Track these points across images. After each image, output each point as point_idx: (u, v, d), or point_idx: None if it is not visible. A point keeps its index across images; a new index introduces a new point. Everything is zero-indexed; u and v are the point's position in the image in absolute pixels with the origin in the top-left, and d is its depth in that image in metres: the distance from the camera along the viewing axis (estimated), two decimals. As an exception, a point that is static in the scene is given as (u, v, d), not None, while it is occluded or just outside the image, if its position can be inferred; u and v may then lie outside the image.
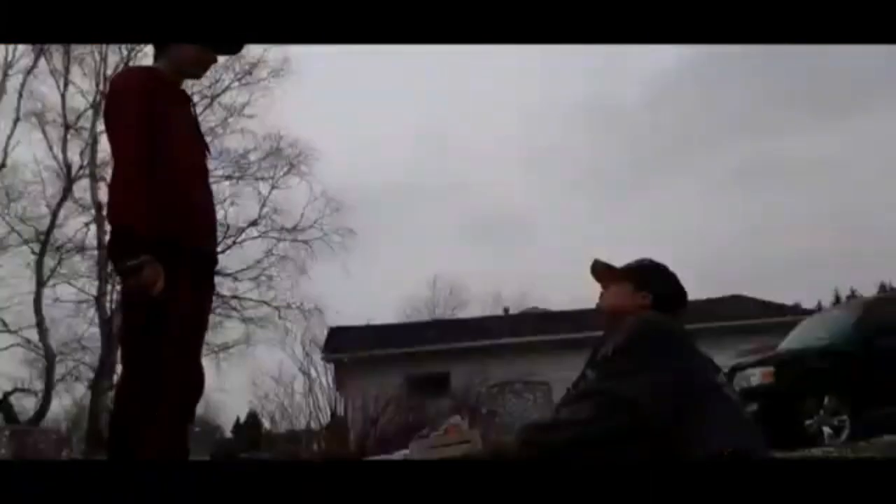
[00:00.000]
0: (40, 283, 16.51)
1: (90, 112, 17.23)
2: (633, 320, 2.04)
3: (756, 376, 7.17)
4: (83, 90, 17.35)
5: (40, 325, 16.33)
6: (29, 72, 16.99)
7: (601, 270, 2.27)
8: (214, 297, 2.63)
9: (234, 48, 2.63)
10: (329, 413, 12.03)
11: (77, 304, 17.19)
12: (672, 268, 2.26)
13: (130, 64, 17.23)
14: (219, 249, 2.65)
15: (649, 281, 2.17)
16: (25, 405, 18.49)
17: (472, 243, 49.39)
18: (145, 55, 17.30)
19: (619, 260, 2.29)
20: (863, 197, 49.92)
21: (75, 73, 17.31)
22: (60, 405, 22.35)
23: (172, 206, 2.16)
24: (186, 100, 2.52)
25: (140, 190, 2.07)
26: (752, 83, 48.75)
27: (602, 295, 2.26)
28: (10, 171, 17.14)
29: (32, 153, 17.33)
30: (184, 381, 2.17)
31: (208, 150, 2.51)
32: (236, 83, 18.17)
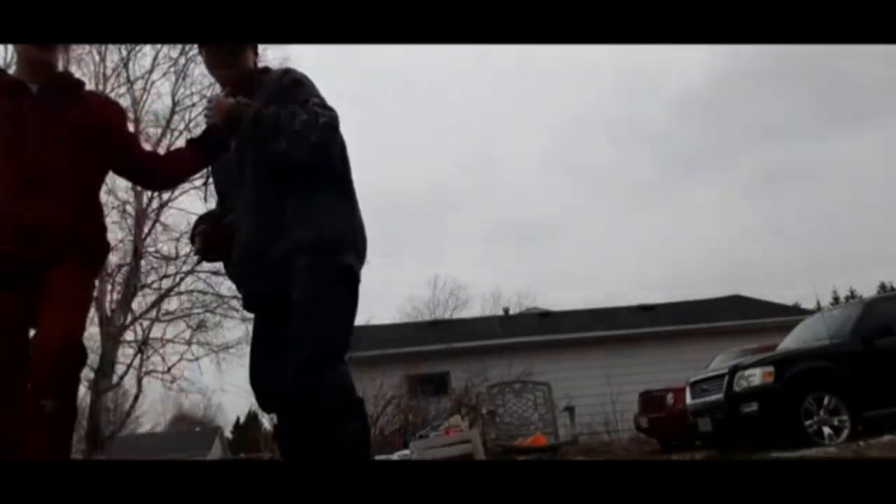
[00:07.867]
0: (40, 283, 16.45)
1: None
2: None
3: (756, 376, 7.18)
4: (82, 90, 17.27)
5: (40, 325, 16.25)
6: (29, 72, 16.92)
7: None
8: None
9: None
10: (329, 413, 12.12)
11: (77, 304, 17.11)
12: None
13: (130, 64, 17.25)
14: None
15: None
16: (25, 405, 18.44)
17: (473, 243, 49.44)
18: (145, 55, 17.34)
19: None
20: (863, 197, 49.97)
21: (75, 74, 17.22)
22: (60, 405, 22.28)
23: None
24: (29, 97, 2.43)
25: None
26: (762, 92, 48.78)
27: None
28: (9, 171, 17.07)
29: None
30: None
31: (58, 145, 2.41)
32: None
